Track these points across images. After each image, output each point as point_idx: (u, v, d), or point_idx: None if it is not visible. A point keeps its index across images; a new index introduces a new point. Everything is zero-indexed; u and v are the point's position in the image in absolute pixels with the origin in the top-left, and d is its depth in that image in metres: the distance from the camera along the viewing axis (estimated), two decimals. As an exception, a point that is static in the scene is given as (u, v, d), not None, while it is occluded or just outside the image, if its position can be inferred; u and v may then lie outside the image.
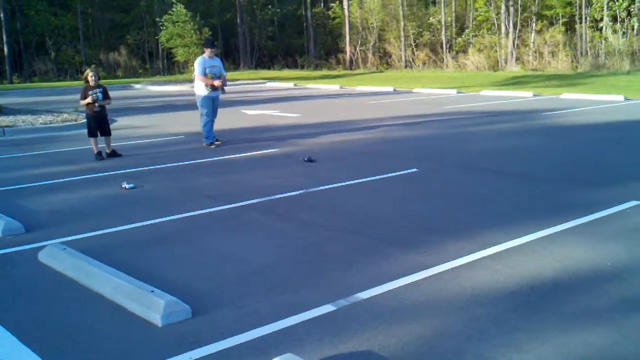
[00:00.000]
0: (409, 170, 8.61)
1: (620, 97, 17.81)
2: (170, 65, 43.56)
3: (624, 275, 4.62)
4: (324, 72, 38.46)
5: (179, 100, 22.22)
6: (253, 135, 12.74)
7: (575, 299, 4.22)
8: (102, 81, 11.23)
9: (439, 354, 3.54)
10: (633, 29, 30.48)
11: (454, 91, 22.22)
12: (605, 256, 5.01)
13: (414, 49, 38.46)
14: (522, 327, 3.83)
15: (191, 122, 14.05)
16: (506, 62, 32.74)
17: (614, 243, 5.35)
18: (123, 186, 8.09)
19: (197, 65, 11.25)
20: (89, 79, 10.40)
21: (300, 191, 7.56)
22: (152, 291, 4.24)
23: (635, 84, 22.03)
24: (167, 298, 4.13)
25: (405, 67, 37.47)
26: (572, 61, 30.56)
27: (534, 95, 19.92)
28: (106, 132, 10.61)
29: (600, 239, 5.48)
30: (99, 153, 10.44)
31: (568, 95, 19.45)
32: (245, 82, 31.74)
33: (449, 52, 36.41)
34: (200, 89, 11.28)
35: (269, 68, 43.21)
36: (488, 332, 3.77)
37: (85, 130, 10.77)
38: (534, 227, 5.78)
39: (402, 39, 37.94)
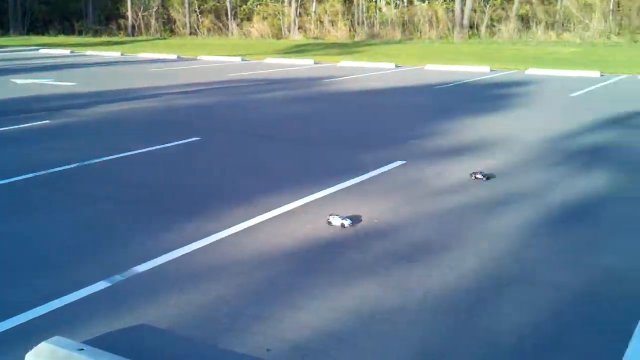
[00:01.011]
0: (191, 139, 8.51)
1: (392, 65, 19.10)
2: None
3: (387, 231, 4.99)
4: (104, 38, 36.52)
5: None
6: (22, 107, 11.75)
7: (345, 256, 4.48)
8: None
9: (216, 319, 3.56)
10: (404, 1, 32.69)
11: (238, 59, 22.29)
12: (372, 213, 5.37)
13: (199, 16, 37.91)
14: (297, 286, 3.99)
15: (-52, 93, 12.63)
16: (289, 31, 33.53)
17: (380, 201, 5.75)
18: (341, 222, 5.02)
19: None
20: None
21: (76, 164, 7.14)
22: None
23: (404, 52, 23.75)
24: None
25: (190, 34, 36.84)
26: (350, 30, 32.13)
27: (315, 63, 20.64)
28: None
29: (369, 197, 5.86)
30: None
31: (346, 62, 20.43)
32: (15, 48, 29.11)
33: (234, 19, 36.40)
34: (-45, 55, 10.15)
35: (43, 34, 40.03)
36: (265, 294, 3.87)
37: None
38: (311, 189, 6.02)
39: (186, 4, 37.17)
